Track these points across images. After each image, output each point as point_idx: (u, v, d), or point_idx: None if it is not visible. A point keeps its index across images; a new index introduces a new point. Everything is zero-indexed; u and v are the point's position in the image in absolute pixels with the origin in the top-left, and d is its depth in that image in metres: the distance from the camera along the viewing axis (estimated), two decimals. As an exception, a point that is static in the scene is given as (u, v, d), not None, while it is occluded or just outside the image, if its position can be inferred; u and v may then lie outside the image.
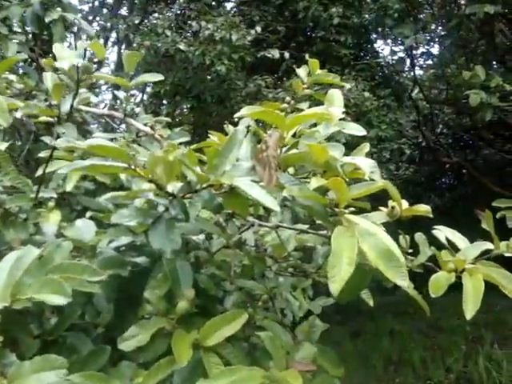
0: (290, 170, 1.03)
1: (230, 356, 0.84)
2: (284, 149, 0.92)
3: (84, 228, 1.09)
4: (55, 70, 0.86)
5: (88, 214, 1.08)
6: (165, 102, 5.11)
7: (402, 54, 6.49)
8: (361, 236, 0.68)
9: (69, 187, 1.37)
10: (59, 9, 2.33)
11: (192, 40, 3.89)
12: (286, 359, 0.89)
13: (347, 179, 0.81)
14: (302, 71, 1.91)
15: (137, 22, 4.67)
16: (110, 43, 6.97)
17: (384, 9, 4.90)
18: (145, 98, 6.11)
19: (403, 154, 6.58)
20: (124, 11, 6.38)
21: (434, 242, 1.00)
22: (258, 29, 4.23)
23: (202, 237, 1.01)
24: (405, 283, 0.63)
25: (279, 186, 0.76)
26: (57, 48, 0.79)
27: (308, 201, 0.76)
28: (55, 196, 1.09)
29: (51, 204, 1.38)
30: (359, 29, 5.15)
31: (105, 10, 6.44)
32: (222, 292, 1.14)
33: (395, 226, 0.98)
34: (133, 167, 0.70)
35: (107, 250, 1.08)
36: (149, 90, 5.39)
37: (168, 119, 1.78)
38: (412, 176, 7.12)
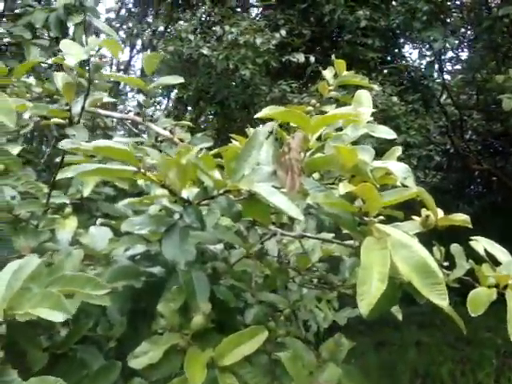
0: (315, 175, 0.97)
1: (247, 376, 0.78)
2: (308, 152, 0.86)
3: (98, 235, 1.05)
4: (71, 70, 0.82)
5: (99, 221, 1.03)
6: (189, 107, 5.10)
7: (430, 58, 6.35)
8: (393, 248, 0.61)
9: (86, 192, 1.33)
10: (81, 13, 2.33)
11: (216, 45, 3.86)
12: (309, 380, 0.82)
13: (377, 185, 0.74)
14: (327, 73, 1.84)
15: (162, 28, 4.67)
16: (135, 50, 7.03)
17: (412, 11, 4.78)
18: (170, 103, 6.13)
19: (431, 160, 6.42)
20: (150, 19, 6.43)
21: (470, 253, 0.92)
22: (283, 32, 4.17)
23: (220, 246, 0.96)
24: (444, 303, 0.56)
25: (303, 192, 0.70)
26: (65, 44, 0.75)
27: (334, 209, 0.69)
28: (67, 202, 1.05)
29: (68, 210, 1.34)
30: (386, 32, 5.04)
31: (130, 17, 6.51)
32: (243, 304, 1.08)
33: (427, 237, 0.90)
34: (142, 171, 0.65)
35: (122, 258, 1.04)
36: (173, 95, 5.39)
37: (189, 123, 1.73)
38: (440, 183, 6.94)
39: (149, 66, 1.58)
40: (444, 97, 6.63)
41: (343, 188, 0.62)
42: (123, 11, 6.67)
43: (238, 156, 0.71)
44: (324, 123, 0.82)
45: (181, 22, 4.11)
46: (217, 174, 0.76)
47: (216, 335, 0.88)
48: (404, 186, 0.72)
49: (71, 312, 0.57)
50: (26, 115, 0.78)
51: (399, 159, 0.88)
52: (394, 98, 4.15)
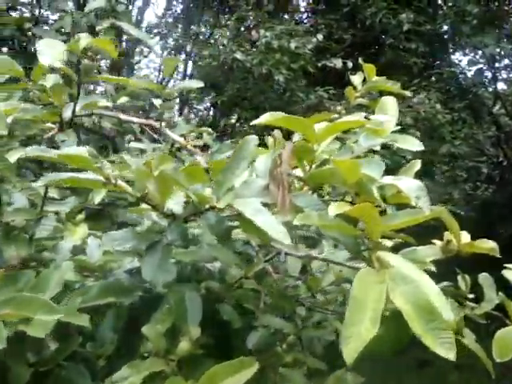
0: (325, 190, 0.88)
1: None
2: (314, 165, 0.78)
3: (92, 246, 1.00)
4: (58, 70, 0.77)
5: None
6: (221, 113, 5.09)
7: (481, 65, 6.07)
8: (393, 282, 0.52)
9: (97, 199, 1.30)
10: (112, 18, 2.34)
11: (250, 49, 3.81)
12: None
13: (384, 205, 0.65)
14: (356, 78, 1.74)
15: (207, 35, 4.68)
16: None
17: (462, 13, 4.57)
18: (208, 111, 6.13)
19: (481, 173, 6.12)
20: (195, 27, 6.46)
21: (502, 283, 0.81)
22: (320, 36, 4.07)
23: (218, 264, 0.89)
24: (451, 355, 0.46)
25: (296, 210, 0.62)
26: (42, 43, 0.71)
27: (332, 231, 0.61)
28: (60, 209, 1.01)
29: (80, 217, 1.31)
30: (432, 37, 4.85)
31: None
32: (247, 326, 1.00)
33: (455, 263, 0.80)
34: (113, 182, 0.59)
35: (120, 272, 0.99)
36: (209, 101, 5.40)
37: (208, 129, 1.68)
38: (491, 197, 6.59)
39: (167, 69, 1.55)
40: (497, 106, 6.31)
41: (334, 209, 0.54)
42: (170, 19, 6.76)
43: (224, 167, 0.64)
44: (331, 132, 0.74)
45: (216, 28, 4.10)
46: (208, 189, 0.69)
47: (208, 362, 0.81)
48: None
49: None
50: (9, 119, 0.74)
51: (443, 172, 0.78)
52: (438, 106, 3.96)
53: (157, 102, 1.55)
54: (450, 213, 0.67)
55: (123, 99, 1.84)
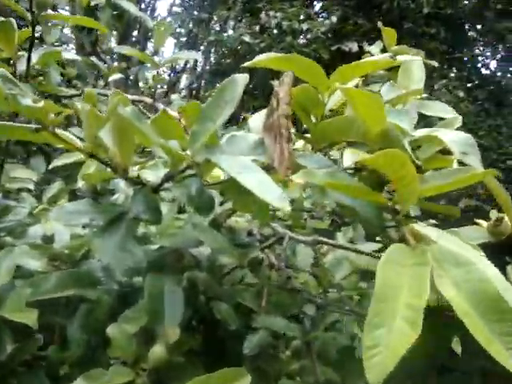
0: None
1: None
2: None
3: (60, 229, 0.86)
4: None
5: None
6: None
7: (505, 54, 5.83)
8: (438, 264, 0.36)
9: (80, 183, 1.17)
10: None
11: (259, 32, 3.64)
12: None
13: (419, 163, 0.49)
14: (374, 47, 1.58)
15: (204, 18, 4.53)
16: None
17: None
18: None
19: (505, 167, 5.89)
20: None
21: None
22: (334, 19, 3.88)
23: (206, 250, 0.73)
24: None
25: (298, 168, 0.46)
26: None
27: (346, 197, 0.45)
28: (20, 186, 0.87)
29: (62, 201, 1.19)
30: (453, 21, 4.64)
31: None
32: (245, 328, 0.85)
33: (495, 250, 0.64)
34: (50, 129, 0.44)
35: (93, 261, 0.85)
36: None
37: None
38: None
39: (159, 37, 1.40)
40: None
41: (351, 156, 0.38)
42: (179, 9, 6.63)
43: (202, 114, 0.48)
44: (349, 75, 0.58)
45: (223, 12, 3.94)
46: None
47: (192, 372, 0.66)
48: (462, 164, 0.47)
49: None
50: None
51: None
52: (461, 93, 3.76)
53: (147, 74, 1.41)
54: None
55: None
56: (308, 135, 0.62)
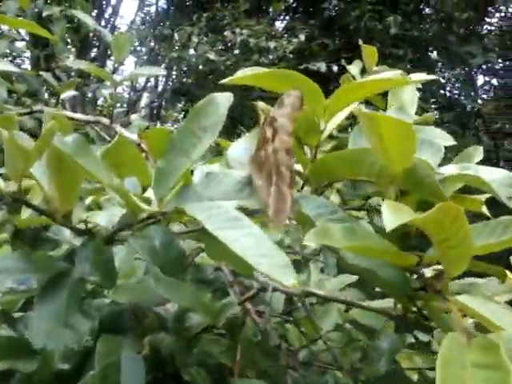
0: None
1: None
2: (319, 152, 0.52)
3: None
4: None
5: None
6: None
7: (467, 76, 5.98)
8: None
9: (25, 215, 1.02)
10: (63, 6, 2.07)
11: (223, 50, 3.55)
12: None
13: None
14: (353, 67, 1.51)
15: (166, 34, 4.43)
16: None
17: (449, 19, 4.44)
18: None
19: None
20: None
21: None
22: (302, 37, 3.84)
23: (172, 307, 0.61)
24: None
25: (302, 220, 0.35)
26: None
27: (365, 260, 0.34)
28: None
29: (3, 236, 1.04)
30: (419, 43, 4.71)
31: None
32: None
33: None
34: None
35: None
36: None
37: (171, 128, 1.41)
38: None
39: (118, 51, 1.28)
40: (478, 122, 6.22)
41: (392, 217, 0.27)
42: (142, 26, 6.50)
43: (170, 145, 0.37)
44: (350, 98, 0.47)
45: (187, 28, 3.84)
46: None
47: None
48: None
49: None
50: None
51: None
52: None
53: (105, 92, 1.28)
54: None
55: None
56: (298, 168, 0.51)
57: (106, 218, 0.49)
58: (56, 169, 0.36)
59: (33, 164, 0.35)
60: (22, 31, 2.61)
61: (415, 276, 0.38)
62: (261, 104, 0.57)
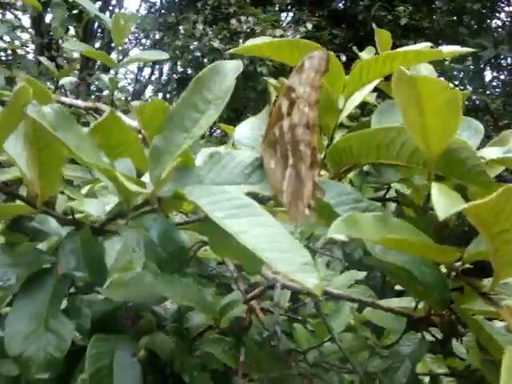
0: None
1: None
2: (336, 135, 0.47)
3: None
4: None
5: None
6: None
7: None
8: None
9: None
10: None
11: (229, 38, 3.48)
12: None
13: None
14: (365, 53, 1.45)
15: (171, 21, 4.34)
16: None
17: (461, 8, 4.35)
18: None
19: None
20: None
21: None
22: (309, 26, 3.77)
23: (172, 306, 0.56)
24: None
25: (326, 212, 0.30)
26: None
27: (399, 255, 0.29)
28: None
29: None
30: (429, 35, 4.63)
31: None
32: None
33: None
34: None
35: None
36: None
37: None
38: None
39: (118, 35, 1.22)
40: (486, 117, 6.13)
41: (444, 200, 0.22)
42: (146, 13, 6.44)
43: (169, 120, 0.31)
44: (375, 72, 0.42)
45: (191, 15, 3.77)
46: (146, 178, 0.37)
47: None
48: None
49: None
50: None
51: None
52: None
53: (105, 77, 1.23)
54: None
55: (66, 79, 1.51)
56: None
57: (96, 207, 0.44)
58: (34, 146, 0.31)
59: (4, 137, 0.29)
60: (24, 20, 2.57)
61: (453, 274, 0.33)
62: (272, 81, 0.52)
